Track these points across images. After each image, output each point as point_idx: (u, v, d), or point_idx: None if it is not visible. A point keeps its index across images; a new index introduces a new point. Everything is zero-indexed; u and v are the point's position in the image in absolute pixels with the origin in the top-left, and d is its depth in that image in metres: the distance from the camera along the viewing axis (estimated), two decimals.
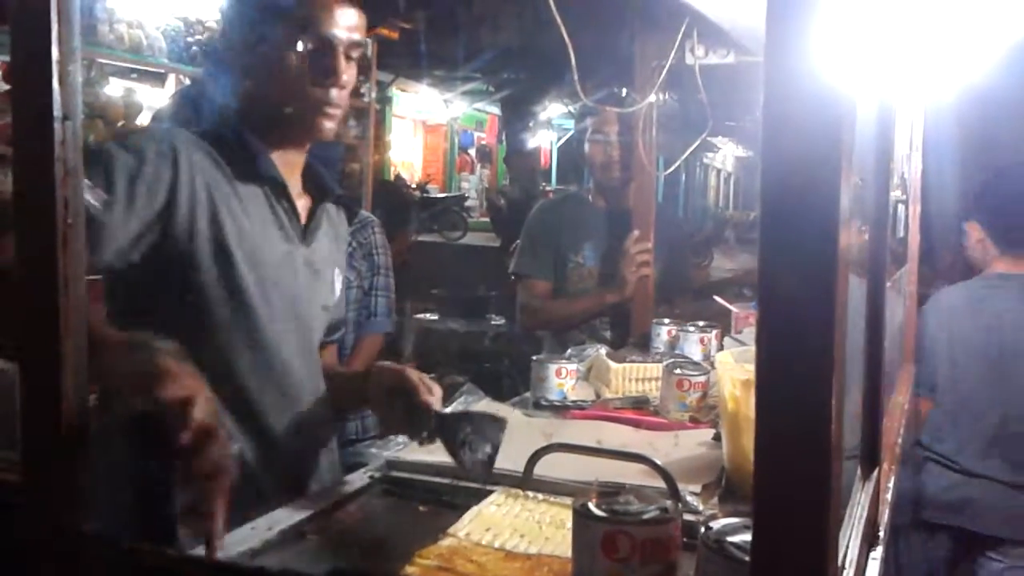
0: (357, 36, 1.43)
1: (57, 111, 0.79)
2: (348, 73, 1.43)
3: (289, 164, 1.50)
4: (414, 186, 10.91)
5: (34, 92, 0.79)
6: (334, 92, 1.42)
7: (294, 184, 1.51)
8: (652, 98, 2.57)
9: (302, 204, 1.53)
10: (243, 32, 1.43)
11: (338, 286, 1.62)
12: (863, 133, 0.97)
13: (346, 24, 1.41)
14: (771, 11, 0.60)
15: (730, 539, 0.84)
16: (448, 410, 1.41)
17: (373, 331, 2.81)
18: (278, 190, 1.46)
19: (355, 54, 1.44)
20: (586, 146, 2.81)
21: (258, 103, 1.46)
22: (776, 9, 0.60)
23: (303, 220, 1.51)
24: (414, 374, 1.39)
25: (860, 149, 0.89)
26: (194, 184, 1.35)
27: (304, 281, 1.49)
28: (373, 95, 6.16)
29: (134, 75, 4.84)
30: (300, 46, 1.39)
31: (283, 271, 1.45)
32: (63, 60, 0.79)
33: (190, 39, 4.81)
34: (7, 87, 4.17)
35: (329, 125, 1.44)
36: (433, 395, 1.35)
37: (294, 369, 1.47)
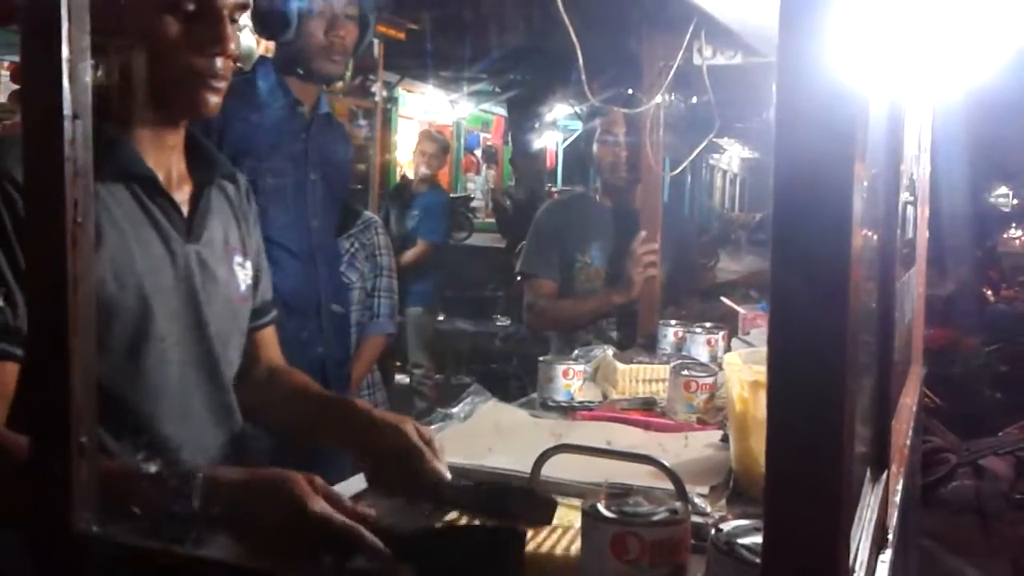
0: None
1: (67, 110, 0.79)
2: (234, 39, 1.26)
3: (166, 148, 1.32)
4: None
5: (44, 91, 0.79)
6: (219, 61, 1.25)
7: (175, 170, 1.34)
8: (659, 99, 2.57)
9: (185, 192, 1.35)
10: None
11: (246, 272, 1.43)
12: (874, 133, 0.96)
13: None
14: (784, 11, 0.59)
15: (740, 541, 0.84)
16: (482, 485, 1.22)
17: (376, 332, 2.82)
18: (147, 185, 1.27)
19: (238, 17, 1.28)
20: (595, 147, 2.81)
21: (128, 80, 1.25)
22: (789, 9, 0.59)
23: (186, 212, 1.33)
24: (413, 431, 1.21)
25: (872, 149, 0.88)
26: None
27: (200, 283, 1.32)
28: (383, 94, 6.15)
29: None
30: (178, 9, 1.22)
31: (167, 278, 1.27)
32: (73, 59, 0.79)
33: None
34: (16, 87, 4.18)
35: (215, 100, 1.26)
36: (439, 458, 1.20)
37: (190, 384, 1.31)
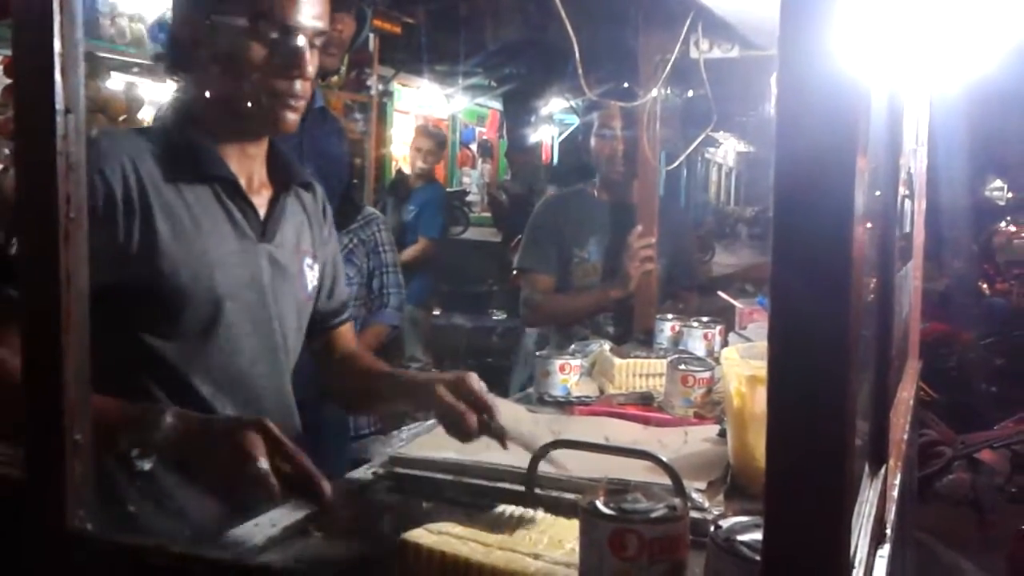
0: (321, 24, 1.36)
1: (59, 104, 0.78)
2: (312, 63, 1.36)
3: (248, 157, 1.44)
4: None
5: (36, 85, 0.79)
6: (298, 83, 1.35)
7: (256, 177, 1.46)
8: (656, 93, 2.56)
9: (264, 196, 1.46)
10: (200, 20, 1.34)
11: (313, 274, 1.54)
12: (875, 127, 0.96)
13: (310, 11, 1.34)
14: (785, 3, 0.59)
15: (740, 537, 0.83)
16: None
17: (380, 321, 2.83)
18: (229, 187, 1.40)
19: (319, 42, 1.37)
20: (592, 141, 2.80)
21: (215, 96, 1.38)
22: (790, 1, 0.59)
23: (263, 214, 1.44)
24: (476, 384, 1.34)
25: (872, 143, 0.88)
26: (128, 192, 1.29)
27: (269, 279, 1.43)
28: (379, 88, 6.13)
29: (136, 69, 4.83)
30: (263, 36, 1.32)
31: (239, 272, 1.39)
32: (65, 54, 0.78)
33: None
34: (8, 81, 4.15)
35: (293, 117, 1.37)
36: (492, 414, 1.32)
37: (257, 373, 1.41)
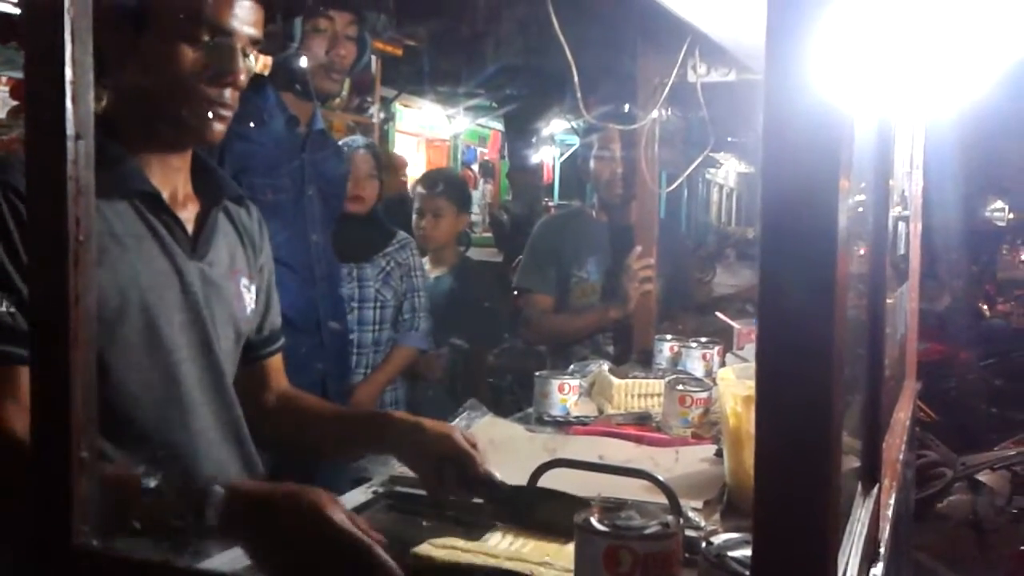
0: (254, 31, 1.31)
1: (70, 130, 0.80)
2: (245, 72, 1.30)
3: (171, 169, 1.35)
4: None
5: (48, 112, 0.81)
6: (228, 92, 1.29)
7: (180, 191, 1.37)
8: (654, 115, 2.59)
9: (191, 211, 1.37)
10: (128, 23, 1.26)
11: (250, 296, 1.45)
12: (862, 151, 0.98)
13: (245, 18, 1.29)
14: (771, 30, 0.61)
15: (731, 554, 0.85)
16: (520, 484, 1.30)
17: (409, 343, 2.85)
18: (151, 202, 1.30)
19: (252, 51, 1.32)
20: (591, 163, 2.83)
21: (137, 104, 1.31)
22: (775, 28, 0.61)
23: (191, 230, 1.35)
24: (460, 437, 1.30)
25: (859, 167, 0.90)
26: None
27: (204, 300, 1.33)
28: (381, 115, 6.17)
29: None
30: (197, 40, 1.26)
31: (171, 293, 1.29)
32: (76, 82, 0.80)
33: None
34: (15, 103, 4.19)
35: (220, 128, 1.31)
36: (486, 462, 1.30)
37: (201, 401, 1.32)
